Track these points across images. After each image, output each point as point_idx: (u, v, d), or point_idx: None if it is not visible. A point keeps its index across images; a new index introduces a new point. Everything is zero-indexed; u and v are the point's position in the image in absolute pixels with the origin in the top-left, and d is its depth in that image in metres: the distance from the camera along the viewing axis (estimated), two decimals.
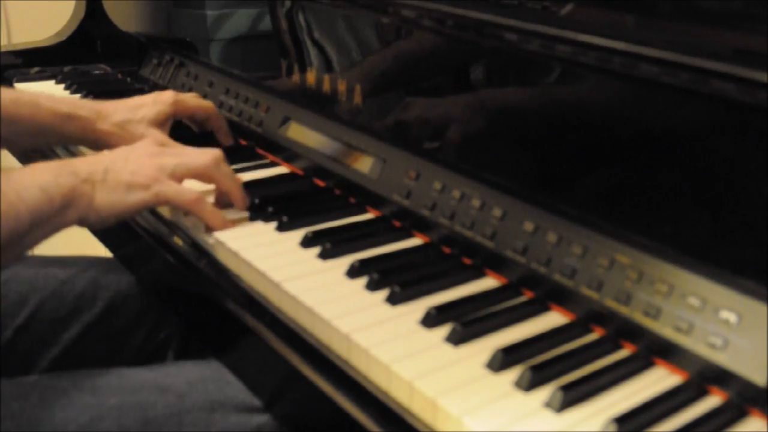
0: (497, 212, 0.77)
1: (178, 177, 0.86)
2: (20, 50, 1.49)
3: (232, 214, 0.89)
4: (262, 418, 0.82)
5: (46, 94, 1.04)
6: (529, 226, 0.74)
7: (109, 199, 0.81)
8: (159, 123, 1.05)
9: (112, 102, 1.06)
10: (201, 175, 0.88)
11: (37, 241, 0.77)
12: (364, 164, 0.92)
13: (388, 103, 0.97)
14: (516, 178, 0.80)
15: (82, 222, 0.81)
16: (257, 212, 0.89)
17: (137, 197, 0.83)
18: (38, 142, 1.07)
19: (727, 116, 0.65)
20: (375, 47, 1.02)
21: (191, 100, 1.11)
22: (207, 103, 1.12)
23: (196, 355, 0.90)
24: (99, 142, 1.03)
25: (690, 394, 0.61)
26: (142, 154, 0.86)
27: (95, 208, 0.80)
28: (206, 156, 0.88)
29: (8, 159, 1.44)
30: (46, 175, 0.77)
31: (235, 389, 0.83)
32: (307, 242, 0.82)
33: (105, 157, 0.86)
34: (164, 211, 0.94)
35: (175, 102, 1.07)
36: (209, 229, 0.86)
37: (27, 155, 1.32)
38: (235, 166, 0.99)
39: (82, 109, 1.03)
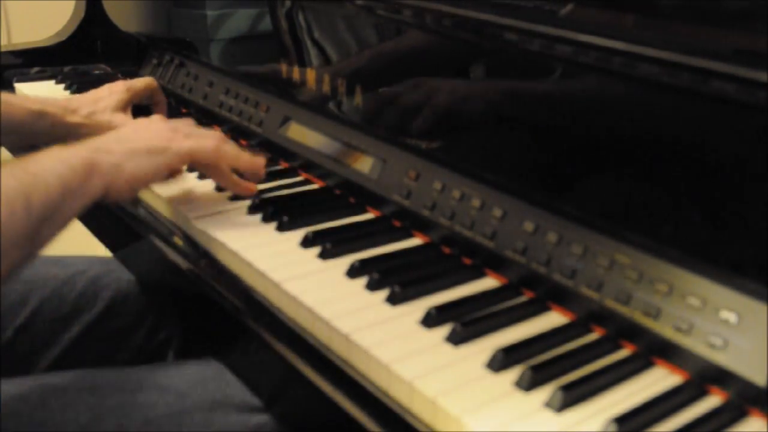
0: (497, 212, 0.77)
1: (192, 140, 0.87)
2: (20, 50, 1.49)
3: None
4: (262, 418, 0.83)
5: (12, 94, 1.06)
6: (529, 226, 0.74)
7: (131, 164, 0.81)
8: (120, 110, 1.11)
9: (74, 97, 1.13)
10: (210, 151, 0.88)
11: (73, 213, 0.75)
12: (364, 164, 0.92)
13: (389, 103, 0.96)
14: (516, 178, 0.80)
15: (109, 191, 0.79)
16: (257, 212, 0.89)
17: (158, 160, 0.83)
18: (10, 141, 1.08)
19: (727, 116, 0.65)
20: (375, 47, 1.02)
21: (138, 83, 1.17)
22: (149, 81, 1.19)
23: (196, 355, 0.90)
24: (69, 136, 1.04)
25: (690, 394, 0.61)
26: (151, 122, 0.89)
27: (118, 173, 0.79)
28: (212, 135, 0.90)
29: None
30: (61, 151, 0.77)
31: (235, 389, 0.84)
32: (307, 242, 0.82)
33: (112, 132, 0.87)
34: (163, 210, 0.94)
35: (128, 89, 1.14)
36: (236, 196, 0.91)
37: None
38: None
39: (51, 105, 1.06)
